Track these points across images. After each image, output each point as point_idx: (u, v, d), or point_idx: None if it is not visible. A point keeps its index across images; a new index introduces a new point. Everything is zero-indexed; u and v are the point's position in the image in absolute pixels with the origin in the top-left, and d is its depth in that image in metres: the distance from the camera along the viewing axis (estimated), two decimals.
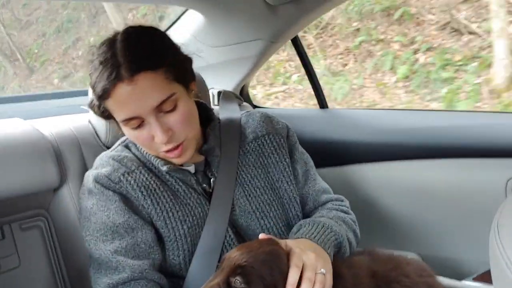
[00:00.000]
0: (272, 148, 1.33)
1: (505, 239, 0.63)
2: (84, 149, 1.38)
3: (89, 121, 1.46)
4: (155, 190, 1.18)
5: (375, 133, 1.78)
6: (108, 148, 1.36)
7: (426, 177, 1.67)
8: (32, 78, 8.83)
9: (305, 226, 1.20)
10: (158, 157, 1.21)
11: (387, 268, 1.19)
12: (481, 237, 1.56)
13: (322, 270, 1.03)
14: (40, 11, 9.51)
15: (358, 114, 1.97)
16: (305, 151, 1.43)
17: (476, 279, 1.50)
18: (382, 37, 5.33)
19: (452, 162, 1.61)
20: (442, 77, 4.54)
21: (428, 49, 4.79)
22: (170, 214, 1.16)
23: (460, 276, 1.51)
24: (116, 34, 1.11)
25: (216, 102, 1.84)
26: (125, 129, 1.15)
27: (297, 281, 0.98)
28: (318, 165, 1.48)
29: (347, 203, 1.41)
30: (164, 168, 1.19)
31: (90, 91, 1.23)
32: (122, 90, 1.05)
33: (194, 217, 1.18)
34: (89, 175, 1.21)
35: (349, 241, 1.25)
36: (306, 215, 1.35)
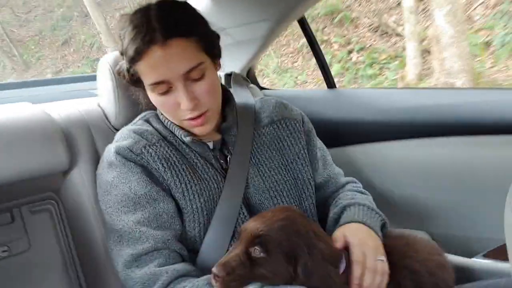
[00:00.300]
0: (287, 131, 1.36)
1: None
2: (94, 132, 1.39)
3: (98, 104, 1.46)
4: (175, 163, 1.20)
5: (384, 112, 1.76)
6: (118, 130, 1.37)
7: (436, 155, 1.66)
8: (28, 73, 9.04)
9: (349, 208, 1.26)
10: (181, 128, 1.23)
11: (399, 243, 1.20)
12: (490, 214, 1.56)
13: (381, 257, 1.10)
14: (38, 9, 9.66)
15: (366, 94, 1.96)
16: (318, 138, 1.46)
17: (486, 256, 1.49)
18: (325, 38, 6.11)
19: (462, 140, 1.60)
20: (368, 73, 5.31)
21: (361, 49, 5.58)
22: (189, 186, 1.18)
23: (470, 254, 1.50)
24: (149, 4, 1.15)
25: (223, 84, 1.84)
26: (152, 95, 1.18)
27: (361, 275, 1.05)
28: (326, 145, 1.48)
29: (360, 184, 1.46)
30: (187, 139, 1.22)
31: (103, 72, 1.30)
32: (155, 53, 1.09)
33: (210, 192, 1.20)
34: (110, 148, 1.22)
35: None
36: (328, 196, 1.40)
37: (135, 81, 1.19)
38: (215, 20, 1.68)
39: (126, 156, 1.19)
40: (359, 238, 1.12)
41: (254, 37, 1.77)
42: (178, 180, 1.18)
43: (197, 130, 1.22)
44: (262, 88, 2.10)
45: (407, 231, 1.46)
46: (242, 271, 0.97)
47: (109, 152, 1.22)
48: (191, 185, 1.19)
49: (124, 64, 1.18)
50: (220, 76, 1.87)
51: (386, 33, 5.54)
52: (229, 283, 0.97)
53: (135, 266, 1.11)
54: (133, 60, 1.12)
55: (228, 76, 1.80)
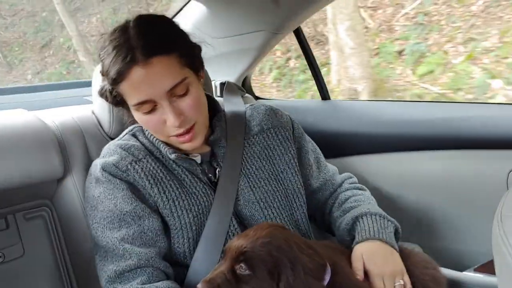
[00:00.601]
0: (277, 140, 1.35)
1: (509, 230, 0.64)
2: (88, 139, 1.39)
3: (93, 112, 1.47)
4: (161, 179, 1.19)
5: (377, 125, 1.78)
6: (112, 139, 1.37)
7: (428, 169, 1.68)
8: (11, 74, 9.07)
9: (362, 219, 1.28)
10: (166, 145, 1.22)
11: None
12: (482, 228, 1.58)
13: (400, 281, 1.14)
14: (23, 12, 9.73)
15: (360, 106, 1.98)
16: (310, 139, 1.47)
17: (477, 269, 1.50)
18: None
19: (453, 154, 1.62)
20: (300, 79, 5.75)
21: (298, 56, 5.89)
22: (176, 202, 1.18)
23: (461, 267, 1.51)
24: (127, 22, 1.14)
25: (218, 93, 1.85)
26: (137, 114, 1.17)
27: None
28: None
29: (355, 178, 1.49)
30: (173, 156, 1.21)
31: (98, 79, 1.26)
32: (137, 73, 1.07)
33: (199, 206, 1.19)
34: (97, 163, 1.22)
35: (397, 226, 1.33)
36: (327, 198, 1.43)
37: (119, 102, 1.18)
38: (212, 30, 1.71)
39: (112, 172, 1.18)
40: (378, 266, 1.15)
41: (250, 47, 1.78)
42: (165, 196, 1.18)
43: (185, 146, 1.21)
44: (257, 98, 2.11)
45: (400, 243, 1.46)
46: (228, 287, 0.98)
47: (95, 167, 1.22)
48: (179, 201, 1.18)
49: (106, 85, 1.16)
50: (215, 85, 1.88)
51: (321, 41, 5.84)
52: None
53: (118, 283, 1.11)
54: (115, 82, 1.10)
55: (222, 85, 1.81)
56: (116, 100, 1.17)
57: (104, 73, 1.14)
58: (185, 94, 1.14)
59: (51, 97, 1.83)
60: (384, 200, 1.76)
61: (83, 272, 1.36)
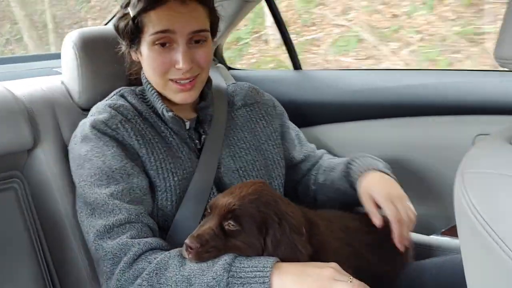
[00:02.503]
0: (259, 114, 1.41)
1: (469, 185, 0.66)
2: (58, 109, 1.38)
3: (62, 82, 1.45)
4: (150, 140, 1.21)
5: (347, 93, 1.80)
6: (82, 109, 1.38)
7: (396, 135, 1.71)
8: None
9: (354, 161, 1.36)
10: (162, 101, 1.25)
11: (358, 223, 1.24)
12: (448, 192, 1.62)
13: (407, 202, 1.24)
14: None
15: (331, 75, 1.99)
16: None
17: (444, 233, 1.55)
18: None
19: (421, 120, 1.65)
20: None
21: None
22: (163, 164, 1.20)
23: (428, 232, 1.56)
24: None
25: None
26: (148, 48, 1.21)
27: (403, 232, 1.19)
28: None
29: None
30: (170, 114, 1.23)
31: (68, 50, 1.31)
32: (173, 5, 1.17)
33: (184, 171, 1.22)
34: (85, 122, 1.22)
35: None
36: (309, 168, 1.48)
37: (135, 32, 1.21)
38: None
39: (102, 130, 1.19)
40: (385, 193, 1.22)
41: (221, 15, 1.76)
42: (153, 157, 1.20)
43: (181, 96, 1.24)
44: (229, 68, 2.10)
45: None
46: (216, 242, 0.99)
47: (84, 126, 1.21)
48: (165, 163, 1.20)
49: (128, 15, 1.20)
50: None
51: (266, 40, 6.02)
52: (203, 254, 0.99)
53: (107, 237, 1.10)
54: (145, 9, 1.17)
55: None
56: (133, 31, 1.20)
57: (130, 4, 1.20)
58: (201, 45, 1.21)
59: (20, 69, 1.80)
60: None
61: (56, 241, 1.35)
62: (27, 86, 1.40)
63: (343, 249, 1.15)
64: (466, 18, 4.55)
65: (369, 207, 1.23)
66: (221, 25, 1.79)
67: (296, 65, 2.00)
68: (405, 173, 1.70)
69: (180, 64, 1.17)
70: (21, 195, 1.36)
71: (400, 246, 1.18)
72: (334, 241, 1.14)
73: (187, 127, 1.28)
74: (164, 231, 1.20)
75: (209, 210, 1.06)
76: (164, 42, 1.18)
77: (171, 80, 1.22)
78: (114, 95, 1.31)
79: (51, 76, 1.53)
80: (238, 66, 2.27)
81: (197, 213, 1.19)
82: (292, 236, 1.01)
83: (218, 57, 2.02)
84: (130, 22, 1.19)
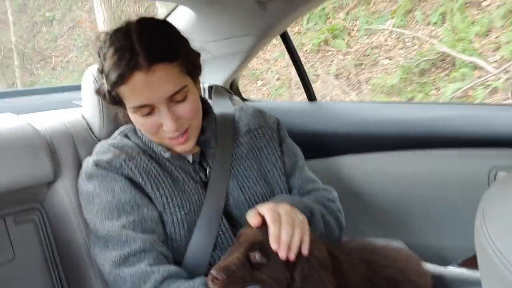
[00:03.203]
0: (264, 141, 1.37)
1: (491, 225, 0.65)
2: (78, 143, 1.40)
3: (82, 116, 1.47)
4: (155, 175, 1.21)
5: (361, 125, 1.81)
6: None
7: (411, 167, 1.71)
8: None
9: (277, 197, 1.27)
10: (160, 144, 1.24)
11: (378, 256, 1.24)
12: (464, 224, 1.61)
13: (299, 216, 1.08)
14: None
15: (345, 107, 2.00)
16: (295, 144, 1.47)
17: (461, 264, 1.53)
18: None
19: (435, 153, 1.66)
20: None
21: None
22: (170, 199, 1.19)
23: (445, 263, 1.54)
24: (129, 24, 1.14)
25: (206, 96, 1.87)
26: (134, 116, 1.18)
27: (278, 231, 1.01)
28: (306, 157, 1.51)
29: (334, 193, 1.44)
30: (167, 154, 1.23)
31: (88, 83, 1.31)
32: (139, 78, 1.08)
33: (191, 205, 1.21)
34: (89, 160, 1.23)
35: (324, 220, 1.27)
36: None
37: (116, 102, 1.18)
38: (200, 35, 1.72)
39: (106, 168, 1.20)
40: (272, 206, 1.07)
41: (237, 50, 1.80)
42: (158, 192, 1.20)
43: (178, 148, 1.23)
44: (245, 100, 2.13)
45: (384, 240, 1.49)
46: (242, 274, 0.99)
47: (87, 164, 1.23)
48: (172, 198, 1.20)
49: (104, 85, 1.17)
50: (203, 87, 1.89)
51: None
52: (228, 286, 0.98)
53: (124, 266, 1.10)
54: (115, 84, 1.11)
55: (210, 88, 1.83)
56: (114, 100, 1.18)
57: (103, 72, 1.15)
58: (183, 100, 1.15)
59: (40, 101, 1.84)
60: (368, 198, 1.80)
61: (74, 274, 1.36)
62: (48, 119, 1.42)
63: (363, 283, 1.14)
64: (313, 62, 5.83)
65: (249, 212, 1.10)
66: (237, 60, 1.86)
67: (311, 97, 2.02)
68: (420, 205, 1.70)
69: (167, 127, 1.15)
70: (40, 227, 1.37)
71: (275, 246, 1.00)
72: (355, 275, 1.13)
73: (190, 161, 1.28)
74: (176, 262, 1.19)
75: (235, 240, 1.06)
76: (145, 113, 1.14)
77: (164, 138, 1.21)
78: (118, 135, 1.31)
79: (71, 109, 1.56)
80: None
81: (208, 245, 1.19)
82: (320, 272, 1.01)
83: (233, 89, 2.04)
84: (107, 94, 1.17)
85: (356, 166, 1.83)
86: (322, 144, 1.89)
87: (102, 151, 1.25)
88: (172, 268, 1.10)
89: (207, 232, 1.20)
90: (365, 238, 1.36)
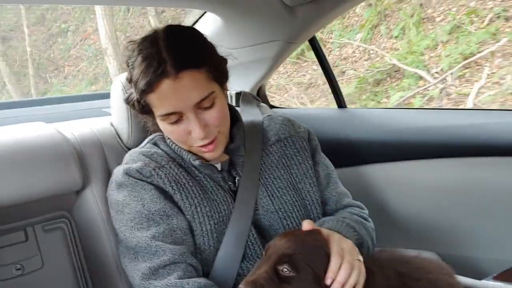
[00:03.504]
0: (294, 150, 1.35)
1: None
2: (107, 151, 1.40)
3: (111, 124, 1.48)
4: (184, 184, 1.20)
5: (393, 133, 1.77)
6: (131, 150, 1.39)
7: (446, 176, 1.66)
8: None
9: (328, 222, 1.23)
10: (189, 152, 1.24)
11: (410, 268, 1.20)
12: (501, 235, 1.56)
13: (359, 256, 1.07)
14: None
15: (376, 114, 1.97)
16: (325, 156, 1.45)
17: (496, 277, 1.48)
18: None
19: (471, 161, 1.60)
20: None
21: None
22: (198, 209, 1.19)
23: (479, 276, 1.50)
24: (156, 32, 1.15)
25: (234, 103, 1.86)
26: (162, 124, 1.19)
27: (338, 268, 1.00)
28: (335, 165, 1.48)
29: (366, 211, 1.42)
30: (196, 162, 1.22)
31: (117, 91, 1.32)
32: (167, 85, 1.09)
33: (220, 214, 1.20)
34: (119, 169, 1.23)
35: (367, 245, 1.28)
36: (327, 215, 1.36)
37: (145, 110, 1.19)
38: (227, 41, 1.72)
39: (136, 177, 1.20)
40: (337, 238, 1.08)
41: (265, 56, 1.79)
42: (188, 202, 1.19)
43: (207, 155, 1.22)
44: (272, 107, 2.11)
45: (416, 251, 1.45)
46: (271, 287, 0.97)
47: (118, 173, 1.23)
48: (201, 207, 1.19)
49: (133, 94, 1.18)
50: (230, 94, 1.89)
51: None
52: None
53: (153, 279, 1.10)
54: (143, 92, 1.12)
55: (238, 94, 1.82)
56: (143, 109, 1.19)
57: (131, 81, 1.16)
58: (211, 107, 1.15)
59: (69, 109, 1.86)
60: (400, 208, 1.76)
61: (102, 282, 1.36)
62: (77, 128, 1.43)
63: None
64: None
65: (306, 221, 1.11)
66: (264, 66, 1.84)
67: (341, 103, 1.99)
68: (452, 215, 1.65)
69: (195, 134, 1.15)
70: (68, 235, 1.38)
71: (329, 282, 0.99)
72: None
73: (219, 169, 1.27)
74: (205, 273, 1.18)
75: (264, 253, 1.05)
76: (173, 120, 1.15)
77: (193, 145, 1.21)
78: (147, 142, 1.32)
79: (100, 118, 1.57)
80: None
81: (237, 255, 1.18)
82: None
83: (261, 96, 2.03)
84: (136, 103, 1.18)
85: (386, 175, 1.79)
86: (351, 152, 1.86)
87: (132, 159, 1.25)
88: (202, 281, 1.10)
89: (236, 242, 1.19)
90: (397, 249, 1.32)
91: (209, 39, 1.21)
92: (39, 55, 9.55)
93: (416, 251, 1.52)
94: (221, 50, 1.23)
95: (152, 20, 7.80)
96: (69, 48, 9.68)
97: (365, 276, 1.05)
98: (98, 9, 7.88)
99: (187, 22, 1.84)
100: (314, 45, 1.87)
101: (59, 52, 9.73)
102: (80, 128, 1.43)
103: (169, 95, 1.10)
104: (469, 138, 1.60)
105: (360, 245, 1.22)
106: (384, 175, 1.79)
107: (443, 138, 1.64)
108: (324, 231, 1.10)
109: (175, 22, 1.30)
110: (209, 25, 1.69)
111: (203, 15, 1.71)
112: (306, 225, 1.09)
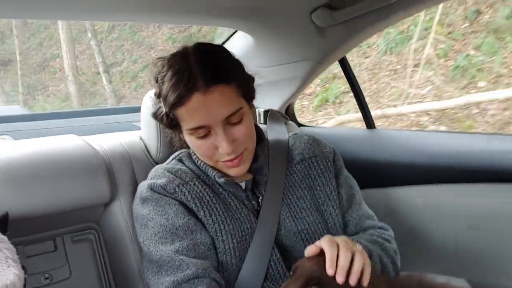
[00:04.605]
0: (318, 170, 1.34)
1: None
2: (135, 165, 1.42)
3: (140, 138, 1.50)
4: (208, 202, 1.21)
5: (422, 155, 1.73)
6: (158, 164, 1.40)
7: (479, 201, 1.60)
8: None
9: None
10: (214, 169, 1.24)
11: None
12: None
13: (358, 246, 1.03)
14: None
15: (406, 135, 1.93)
16: (351, 176, 1.43)
17: None
18: None
19: (501, 187, 1.55)
20: None
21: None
22: (222, 226, 1.18)
23: None
24: (186, 48, 1.18)
25: (262, 121, 1.86)
26: (190, 138, 1.20)
27: (336, 257, 0.96)
28: (362, 186, 1.47)
29: (391, 232, 1.39)
30: (221, 180, 1.23)
31: (148, 105, 1.33)
32: (197, 99, 1.11)
33: (243, 232, 1.20)
34: (144, 184, 1.25)
35: (382, 262, 1.23)
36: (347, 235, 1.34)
37: (173, 125, 1.21)
38: (257, 59, 1.73)
39: (161, 193, 1.21)
40: (328, 236, 1.03)
41: (294, 76, 1.79)
42: (211, 219, 1.19)
43: (232, 171, 1.23)
44: (300, 125, 2.11)
45: (446, 277, 1.42)
46: None
47: (143, 188, 1.25)
48: (224, 225, 1.19)
49: (162, 108, 1.20)
50: (259, 112, 1.89)
51: None
52: None
53: None
54: (173, 106, 1.14)
55: (266, 112, 1.83)
56: (171, 123, 1.20)
57: (161, 96, 1.18)
58: (239, 123, 1.17)
59: (100, 122, 1.89)
60: (429, 232, 1.72)
61: None
62: (107, 141, 1.46)
63: None
64: None
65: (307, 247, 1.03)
66: (293, 85, 1.85)
67: (370, 124, 1.97)
68: (487, 241, 1.60)
69: (223, 149, 1.15)
70: (96, 246, 1.40)
71: (330, 271, 0.94)
72: None
73: (243, 187, 1.28)
74: None
75: (292, 273, 1.04)
76: (201, 135, 1.16)
77: (219, 161, 1.21)
78: (172, 159, 1.33)
79: (130, 132, 1.60)
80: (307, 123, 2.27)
81: (260, 275, 1.17)
82: None
83: (289, 114, 2.03)
84: (165, 117, 1.20)
85: (415, 198, 1.75)
86: (379, 173, 1.83)
87: (157, 175, 1.26)
88: None
89: (258, 262, 1.18)
90: (425, 274, 1.29)
91: (238, 57, 1.23)
92: (29, 76, 11.32)
93: (445, 277, 1.48)
94: (249, 69, 1.25)
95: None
96: (55, 72, 11.21)
97: (370, 265, 0.99)
98: (64, 45, 9.75)
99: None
100: (344, 65, 1.86)
101: (49, 74, 11.34)
102: (109, 141, 1.46)
103: (198, 109, 1.12)
104: (504, 163, 1.55)
105: (369, 256, 1.14)
106: (412, 198, 1.75)
107: (475, 163, 1.60)
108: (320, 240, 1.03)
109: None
110: (240, 43, 1.70)
111: (233, 33, 1.73)
112: (310, 250, 1.02)
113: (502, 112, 4.40)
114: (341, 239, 1.02)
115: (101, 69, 9.41)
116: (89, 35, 9.45)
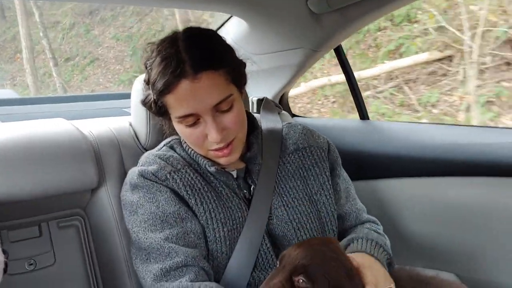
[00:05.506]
0: (312, 160, 1.33)
1: None
2: (124, 151, 1.40)
3: (130, 124, 1.48)
4: (199, 189, 1.19)
5: (414, 148, 1.72)
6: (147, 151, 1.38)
7: (468, 195, 1.60)
8: None
9: (357, 241, 1.22)
10: (205, 158, 1.22)
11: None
12: None
13: (392, 285, 1.06)
14: None
15: (397, 127, 1.92)
16: (343, 169, 1.43)
17: None
18: None
19: (494, 180, 1.54)
20: None
21: None
22: (213, 215, 1.17)
23: None
24: (176, 33, 1.15)
25: (255, 110, 1.84)
26: (179, 126, 1.18)
27: None
28: (353, 177, 1.45)
29: (381, 227, 1.40)
30: (212, 169, 1.21)
31: (138, 91, 1.30)
32: (185, 86, 1.08)
33: (234, 221, 1.19)
34: (134, 171, 1.23)
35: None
36: (345, 230, 1.35)
37: (162, 112, 1.18)
38: (252, 46, 1.71)
39: (152, 179, 1.19)
40: (368, 263, 1.09)
41: (289, 64, 1.77)
42: (202, 207, 1.18)
43: (223, 160, 1.21)
44: (294, 115, 2.09)
45: (435, 271, 1.41)
46: None
47: (133, 174, 1.22)
48: (215, 213, 1.18)
49: (151, 95, 1.17)
50: (252, 101, 1.87)
51: None
52: None
53: (165, 281, 1.09)
54: (161, 93, 1.11)
55: (260, 101, 1.80)
56: (160, 110, 1.18)
57: (149, 82, 1.15)
58: (228, 110, 1.14)
59: (90, 107, 1.87)
60: (419, 225, 1.71)
61: (112, 281, 1.36)
62: (96, 126, 1.44)
63: None
64: None
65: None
66: (287, 74, 1.82)
67: (363, 115, 1.95)
68: (475, 236, 1.59)
69: (212, 138, 1.13)
70: (81, 233, 1.39)
71: None
72: None
73: (235, 176, 1.26)
74: (216, 281, 1.17)
75: (278, 262, 1.03)
76: (190, 123, 1.14)
77: (209, 149, 1.19)
78: (164, 145, 1.31)
79: (119, 117, 1.57)
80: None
81: (249, 264, 1.17)
82: None
83: (283, 104, 2.01)
84: (153, 104, 1.17)
85: (406, 190, 1.73)
86: (370, 165, 1.82)
87: (148, 162, 1.24)
88: (213, 285, 1.08)
89: (248, 250, 1.17)
90: (414, 268, 1.28)
91: (232, 43, 1.21)
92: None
93: (434, 271, 1.48)
94: (240, 54, 1.22)
95: None
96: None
97: None
98: (23, 40, 10.16)
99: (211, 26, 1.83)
100: (339, 54, 1.84)
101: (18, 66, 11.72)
102: (98, 126, 1.44)
103: (187, 96, 1.09)
104: (496, 156, 1.54)
105: (389, 265, 1.21)
106: (403, 191, 1.74)
107: (467, 156, 1.59)
108: (352, 256, 1.08)
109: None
110: (234, 29, 1.68)
111: (228, 19, 1.70)
112: None
113: None
114: (380, 276, 1.07)
115: (51, 63, 10.11)
116: (41, 34, 10.04)
